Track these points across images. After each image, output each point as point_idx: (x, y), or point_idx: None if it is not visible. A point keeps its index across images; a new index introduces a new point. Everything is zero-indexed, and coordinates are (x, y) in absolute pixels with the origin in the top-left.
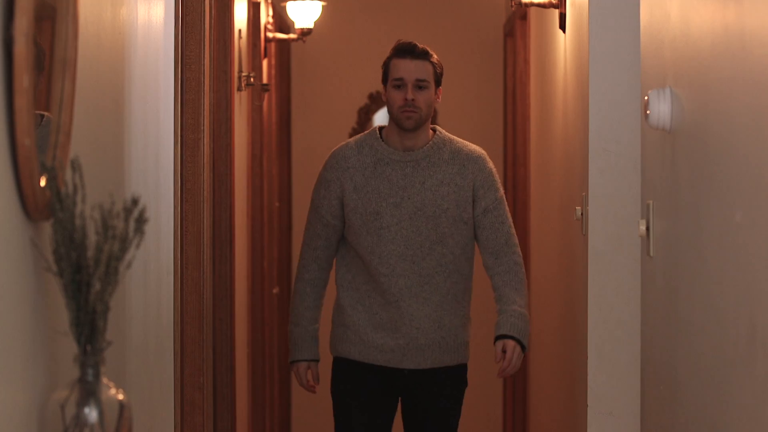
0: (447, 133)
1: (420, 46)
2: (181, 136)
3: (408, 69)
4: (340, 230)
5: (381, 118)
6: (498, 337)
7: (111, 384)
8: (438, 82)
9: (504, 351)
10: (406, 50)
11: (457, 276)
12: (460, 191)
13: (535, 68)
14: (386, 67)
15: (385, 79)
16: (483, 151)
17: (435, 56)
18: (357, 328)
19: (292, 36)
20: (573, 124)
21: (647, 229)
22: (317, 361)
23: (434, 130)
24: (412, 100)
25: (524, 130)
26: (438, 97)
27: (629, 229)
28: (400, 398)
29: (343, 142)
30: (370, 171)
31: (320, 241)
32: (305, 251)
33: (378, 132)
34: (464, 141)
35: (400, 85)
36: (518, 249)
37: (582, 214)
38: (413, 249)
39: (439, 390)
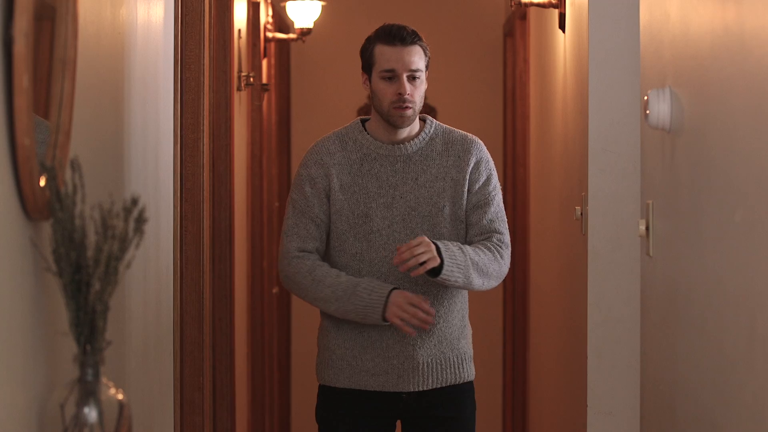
0: (438, 123)
1: (409, 28)
2: (181, 136)
3: (400, 59)
4: (329, 233)
5: None
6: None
7: (110, 384)
8: (427, 67)
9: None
10: (396, 36)
11: None
12: (456, 186)
13: (535, 68)
14: (369, 55)
15: (367, 67)
16: (478, 139)
17: (422, 37)
18: (343, 352)
19: (292, 36)
20: (573, 124)
21: (647, 229)
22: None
23: (424, 120)
24: (408, 94)
25: (524, 130)
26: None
27: (629, 229)
28: (400, 421)
29: (323, 137)
30: (357, 168)
31: (316, 243)
32: (292, 254)
33: (361, 124)
34: (458, 130)
35: (391, 77)
36: (508, 251)
37: (582, 214)
38: None
39: (442, 413)
